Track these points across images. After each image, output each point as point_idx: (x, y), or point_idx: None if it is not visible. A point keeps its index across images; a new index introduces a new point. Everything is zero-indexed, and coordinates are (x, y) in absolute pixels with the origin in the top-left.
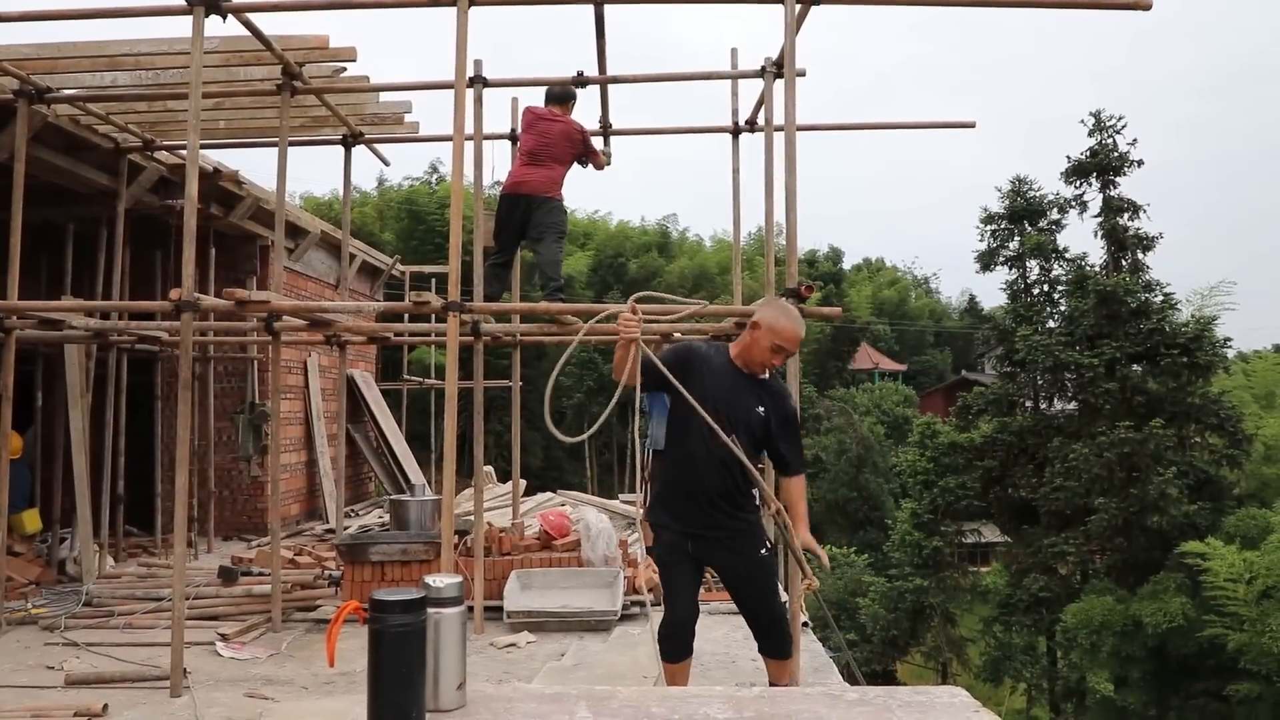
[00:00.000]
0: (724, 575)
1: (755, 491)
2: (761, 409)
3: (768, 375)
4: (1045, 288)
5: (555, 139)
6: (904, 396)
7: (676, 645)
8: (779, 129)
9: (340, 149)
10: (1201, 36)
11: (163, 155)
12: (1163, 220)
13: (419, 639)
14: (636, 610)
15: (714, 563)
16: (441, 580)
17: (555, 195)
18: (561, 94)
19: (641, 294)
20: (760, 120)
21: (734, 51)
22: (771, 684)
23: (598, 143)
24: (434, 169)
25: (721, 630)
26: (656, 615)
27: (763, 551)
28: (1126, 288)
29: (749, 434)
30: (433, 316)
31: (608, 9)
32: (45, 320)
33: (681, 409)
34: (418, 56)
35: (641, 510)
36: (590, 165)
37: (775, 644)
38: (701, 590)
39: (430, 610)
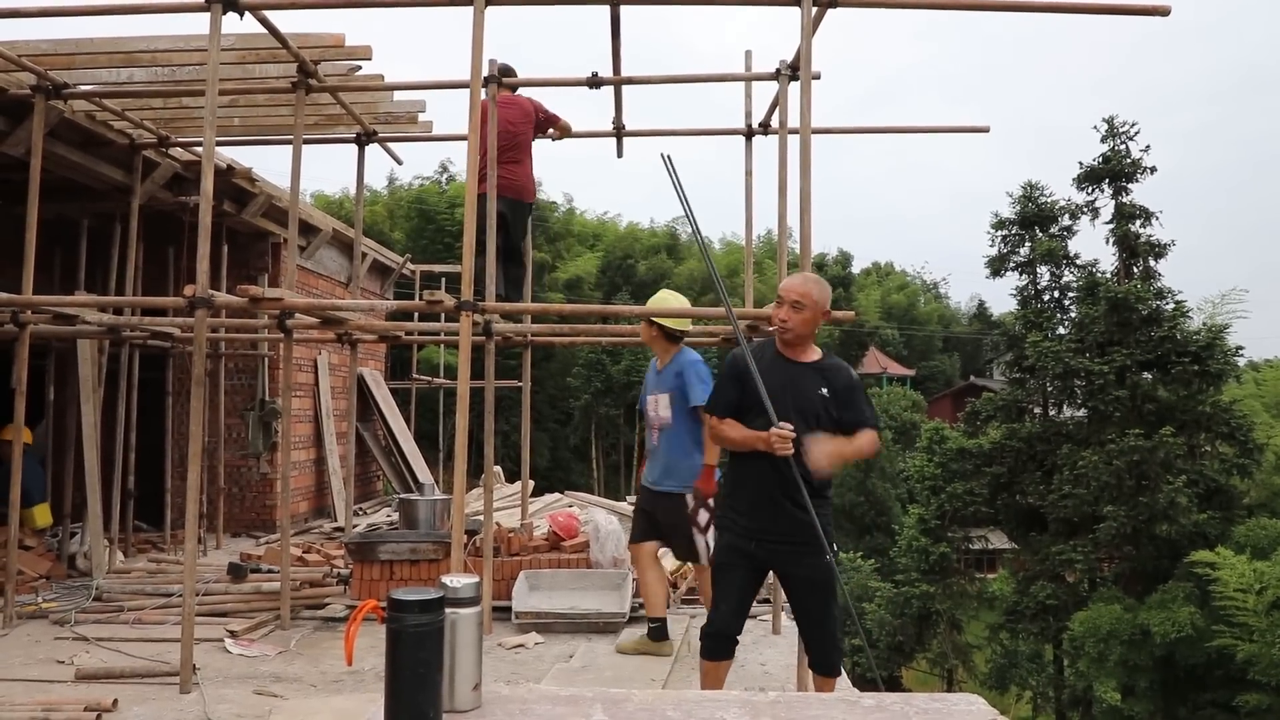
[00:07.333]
0: (786, 582)
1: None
2: (824, 390)
3: (821, 356)
4: (1056, 294)
5: (518, 124)
6: (912, 401)
7: (714, 645)
8: (793, 131)
9: (353, 147)
10: (1207, 41)
11: (177, 151)
12: (1170, 226)
13: (436, 639)
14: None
15: (777, 567)
16: (459, 580)
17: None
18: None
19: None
20: (774, 123)
21: (748, 54)
22: None
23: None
24: (444, 168)
25: None
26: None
27: (827, 557)
28: (1138, 295)
29: (815, 419)
30: (443, 316)
31: (623, 10)
32: (59, 315)
33: (745, 415)
34: (427, 58)
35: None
36: (551, 132)
37: (823, 657)
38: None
39: (448, 610)
